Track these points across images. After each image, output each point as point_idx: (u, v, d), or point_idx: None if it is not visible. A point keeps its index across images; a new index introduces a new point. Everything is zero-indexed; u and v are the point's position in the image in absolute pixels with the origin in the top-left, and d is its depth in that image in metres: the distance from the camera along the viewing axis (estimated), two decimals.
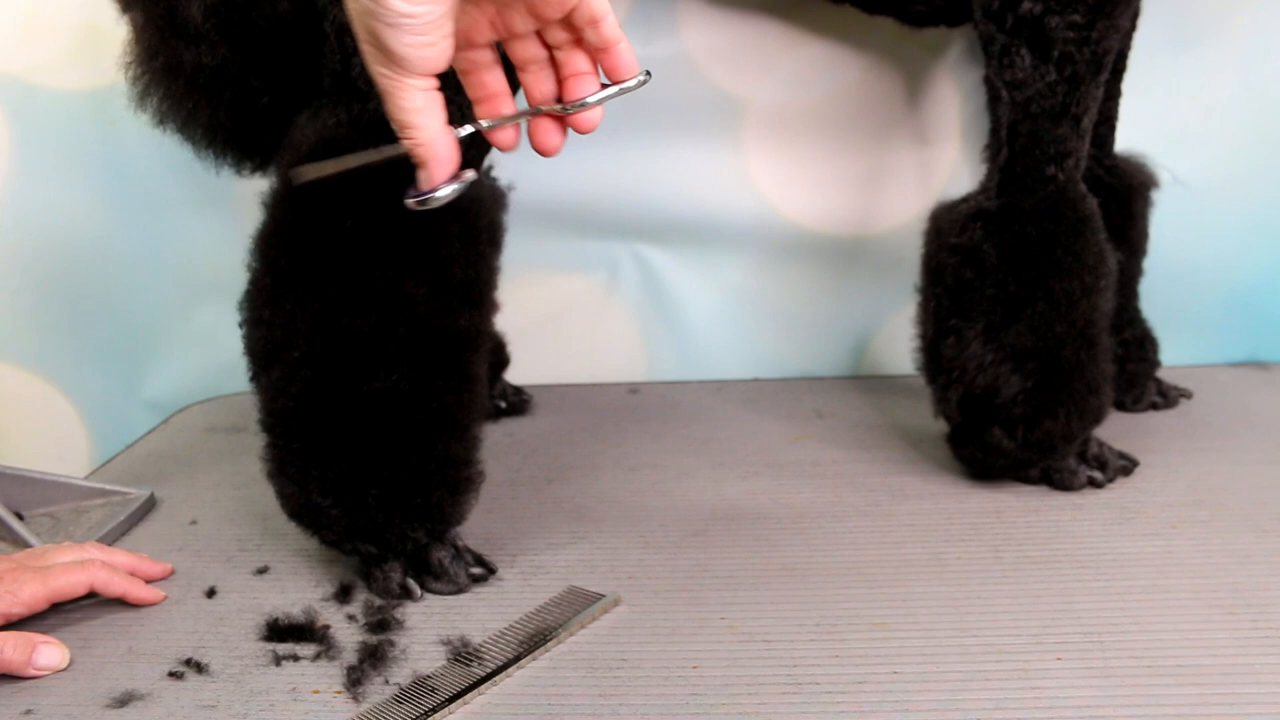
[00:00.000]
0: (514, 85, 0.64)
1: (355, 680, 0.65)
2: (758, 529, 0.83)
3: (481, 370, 0.76)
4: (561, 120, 0.63)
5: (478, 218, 0.75)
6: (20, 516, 0.84)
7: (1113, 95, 0.98)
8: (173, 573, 0.79)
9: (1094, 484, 0.87)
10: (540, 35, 0.61)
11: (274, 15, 0.76)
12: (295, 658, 0.68)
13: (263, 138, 0.81)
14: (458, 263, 0.73)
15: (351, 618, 0.72)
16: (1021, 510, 0.84)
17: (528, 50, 0.61)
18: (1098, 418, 0.87)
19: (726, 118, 1.13)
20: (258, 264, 0.74)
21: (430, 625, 0.71)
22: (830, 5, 1.02)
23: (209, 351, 1.15)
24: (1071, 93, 0.82)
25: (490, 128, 0.63)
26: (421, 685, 0.64)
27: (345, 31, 0.72)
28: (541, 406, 1.11)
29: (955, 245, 0.86)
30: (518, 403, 1.10)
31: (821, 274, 1.18)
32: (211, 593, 0.76)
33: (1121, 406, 1.02)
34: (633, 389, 1.17)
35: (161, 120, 0.80)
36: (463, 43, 0.59)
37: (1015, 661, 0.65)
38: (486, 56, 0.62)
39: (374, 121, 0.73)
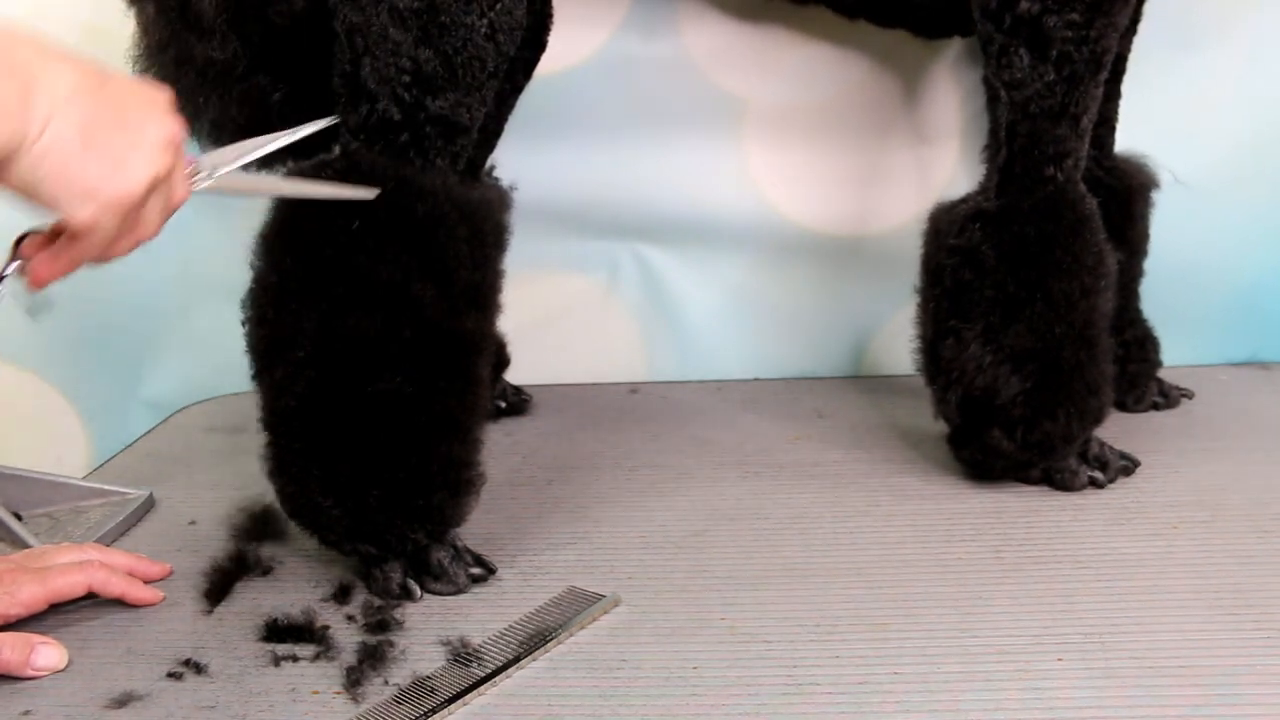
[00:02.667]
0: None
1: (355, 681, 0.65)
2: (758, 529, 0.83)
3: (485, 372, 0.76)
4: None
5: (485, 220, 0.75)
6: (19, 517, 0.84)
7: (1112, 97, 0.98)
8: (171, 573, 0.79)
9: (1095, 484, 0.87)
10: None
11: (289, 12, 0.76)
12: (294, 658, 0.68)
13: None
14: (464, 265, 0.73)
15: (351, 618, 0.72)
16: (1022, 511, 0.84)
17: None
18: (1097, 418, 0.87)
19: (726, 118, 1.13)
20: (262, 263, 0.74)
21: (430, 626, 0.71)
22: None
23: (208, 352, 1.15)
24: (1070, 92, 0.82)
25: None
26: (421, 686, 0.64)
27: (355, 31, 0.72)
28: (541, 406, 1.11)
29: (954, 246, 0.86)
30: (518, 403, 1.10)
31: (821, 274, 1.18)
32: (210, 594, 0.76)
33: (1123, 407, 1.02)
34: (633, 389, 1.17)
35: None
36: None
37: (1016, 662, 0.65)
38: None
39: (383, 121, 0.73)
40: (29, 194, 0.55)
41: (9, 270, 0.59)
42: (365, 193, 0.69)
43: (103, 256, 0.60)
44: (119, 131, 0.56)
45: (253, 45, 0.76)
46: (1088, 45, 0.81)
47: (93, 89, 0.56)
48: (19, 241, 0.60)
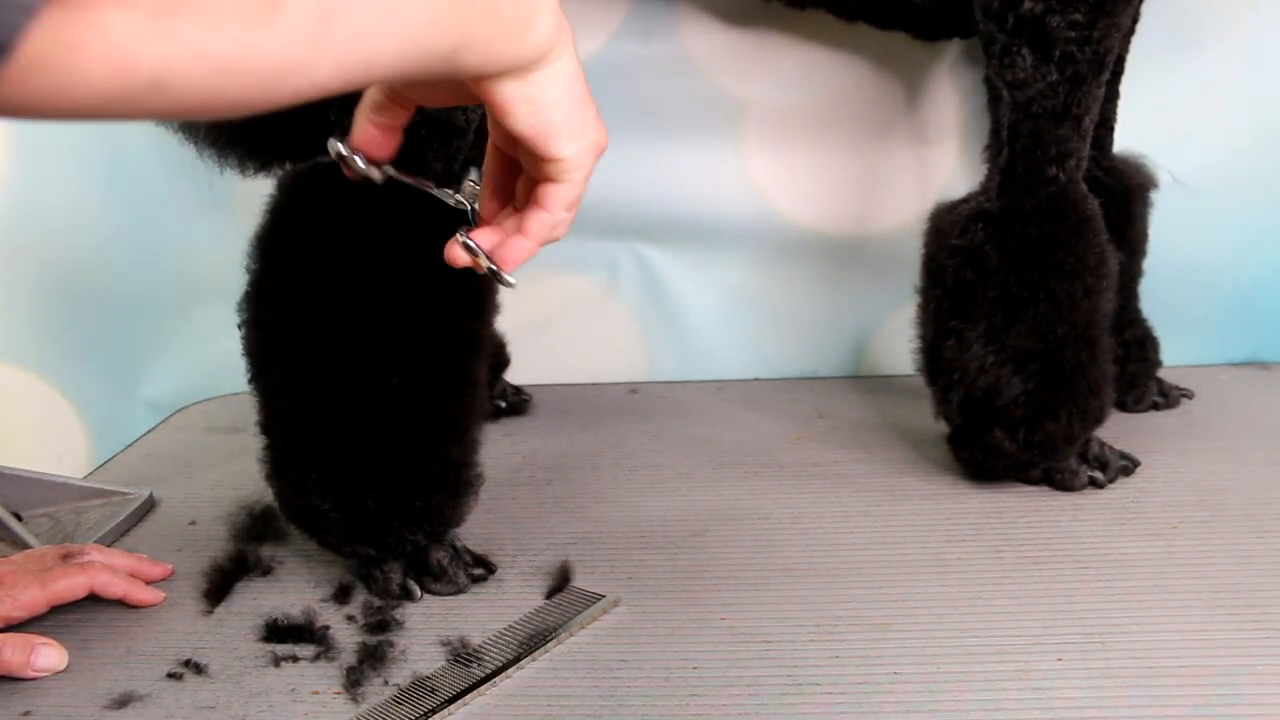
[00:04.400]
0: None
1: (355, 681, 0.65)
2: (758, 529, 0.83)
3: (482, 374, 0.76)
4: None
5: None
6: (19, 517, 0.84)
7: (1111, 97, 0.98)
8: (172, 574, 0.79)
9: (1095, 484, 0.87)
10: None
11: None
12: (294, 658, 0.68)
13: (268, 137, 0.81)
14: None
15: (351, 618, 0.72)
16: (1022, 511, 0.84)
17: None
18: (1099, 419, 0.87)
19: (726, 118, 1.13)
20: (258, 265, 0.74)
21: (430, 626, 0.71)
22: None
23: (208, 351, 1.15)
24: (1073, 93, 0.82)
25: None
26: (421, 686, 0.64)
27: None
28: (541, 406, 1.11)
29: (956, 246, 0.86)
30: (518, 403, 1.10)
31: (821, 274, 1.18)
32: (210, 594, 0.76)
33: (1123, 406, 1.02)
34: (633, 389, 1.17)
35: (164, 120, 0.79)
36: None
37: (1016, 662, 0.65)
38: None
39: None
40: (530, 110, 0.55)
41: (484, 262, 0.60)
42: None
43: (556, 229, 0.61)
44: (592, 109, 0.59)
45: None
46: (1090, 45, 0.81)
47: None
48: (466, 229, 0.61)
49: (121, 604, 0.74)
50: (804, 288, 1.18)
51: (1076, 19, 0.80)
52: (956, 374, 0.86)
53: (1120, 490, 0.87)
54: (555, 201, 0.59)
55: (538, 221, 0.60)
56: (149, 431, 1.11)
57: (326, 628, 0.71)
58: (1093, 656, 0.65)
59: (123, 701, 0.64)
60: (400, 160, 0.73)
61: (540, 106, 0.55)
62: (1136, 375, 1.03)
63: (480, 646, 0.68)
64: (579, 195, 0.60)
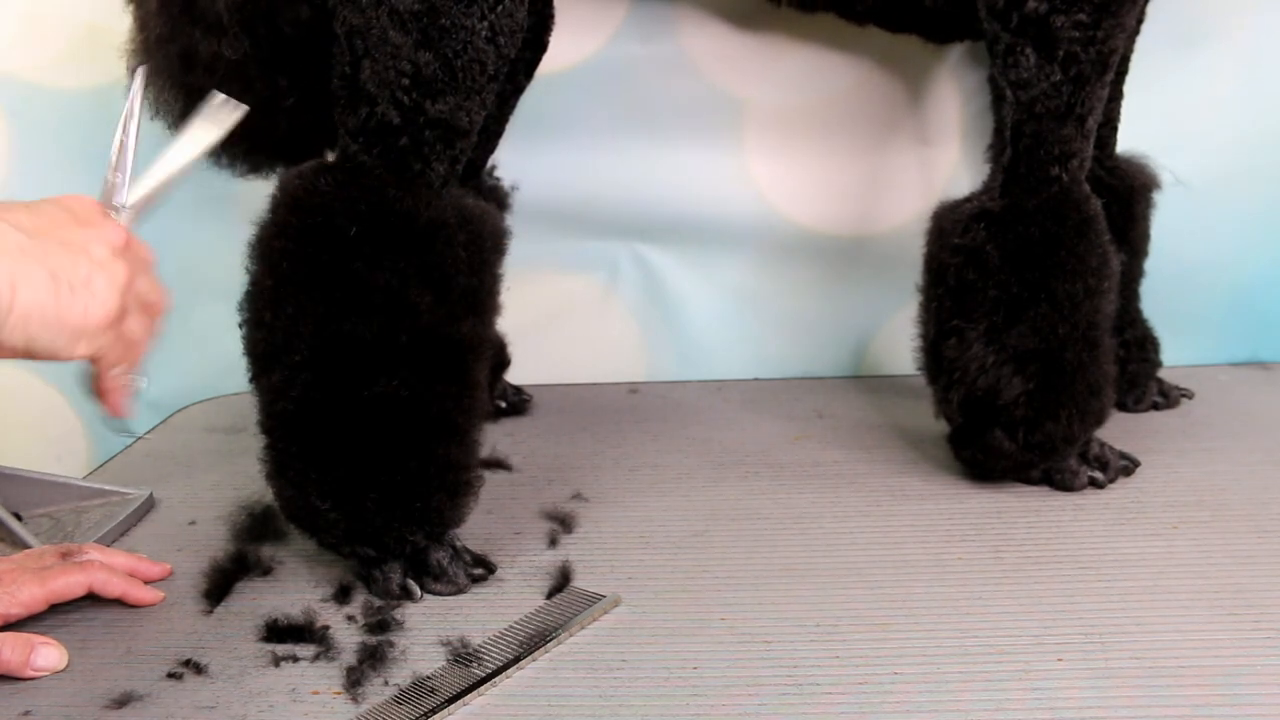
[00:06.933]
0: None
1: (355, 681, 0.65)
2: (758, 529, 0.83)
3: (482, 376, 0.76)
4: None
5: (483, 225, 0.75)
6: (19, 517, 0.84)
7: (1115, 97, 0.98)
8: (172, 573, 0.79)
9: (1095, 484, 0.87)
10: None
11: (297, 19, 0.76)
12: (294, 658, 0.68)
13: (272, 136, 0.81)
14: (462, 271, 0.73)
15: (351, 618, 0.72)
16: (1022, 511, 0.84)
17: None
18: (1099, 419, 0.87)
19: (726, 118, 1.13)
20: (259, 266, 0.74)
21: (430, 626, 0.71)
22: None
23: (208, 351, 1.15)
24: (1076, 93, 0.82)
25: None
26: (421, 686, 0.64)
27: (355, 34, 0.72)
28: (541, 406, 1.11)
29: (958, 245, 0.86)
30: (518, 403, 1.10)
31: (821, 274, 1.18)
32: (210, 594, 0.76)
33: (1123, 407, 1.02)
34: (633, 389, 1.17)
35: (158, 111, 0.79)
36: None
37: (1016, 662, 0.65)
38: None
39: (382, 125, 0.72)
40: (27, 354, 0.57)
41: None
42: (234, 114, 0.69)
43: (135, 351, 0.65)
44: (75, 262, 0.58)
45: (262, 47, 0.76)
46: (1095, 46, 0.81)
47: (36, 230, 0.56)
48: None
49: (121, 604, 0.74)
50: (804, 288, 1.18)
51: (1081, 19, 0.80)
52: (957, 373, 0.86)
53: (1120, 490, 0.87)
54: (109, 367, 0.63)
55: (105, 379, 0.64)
56: (149, 431, 1.11)
57: (326, 628, 0.71)
58: (1093, 657, 0.65)
59: (123, 701, 0.64)
60: (403, 160, 0.73)
61: (26, 348, 0.57)
62: (1137, 375, 1.04)
63: (480, 646, 0.68)
64: (134, 349, 0.65)
